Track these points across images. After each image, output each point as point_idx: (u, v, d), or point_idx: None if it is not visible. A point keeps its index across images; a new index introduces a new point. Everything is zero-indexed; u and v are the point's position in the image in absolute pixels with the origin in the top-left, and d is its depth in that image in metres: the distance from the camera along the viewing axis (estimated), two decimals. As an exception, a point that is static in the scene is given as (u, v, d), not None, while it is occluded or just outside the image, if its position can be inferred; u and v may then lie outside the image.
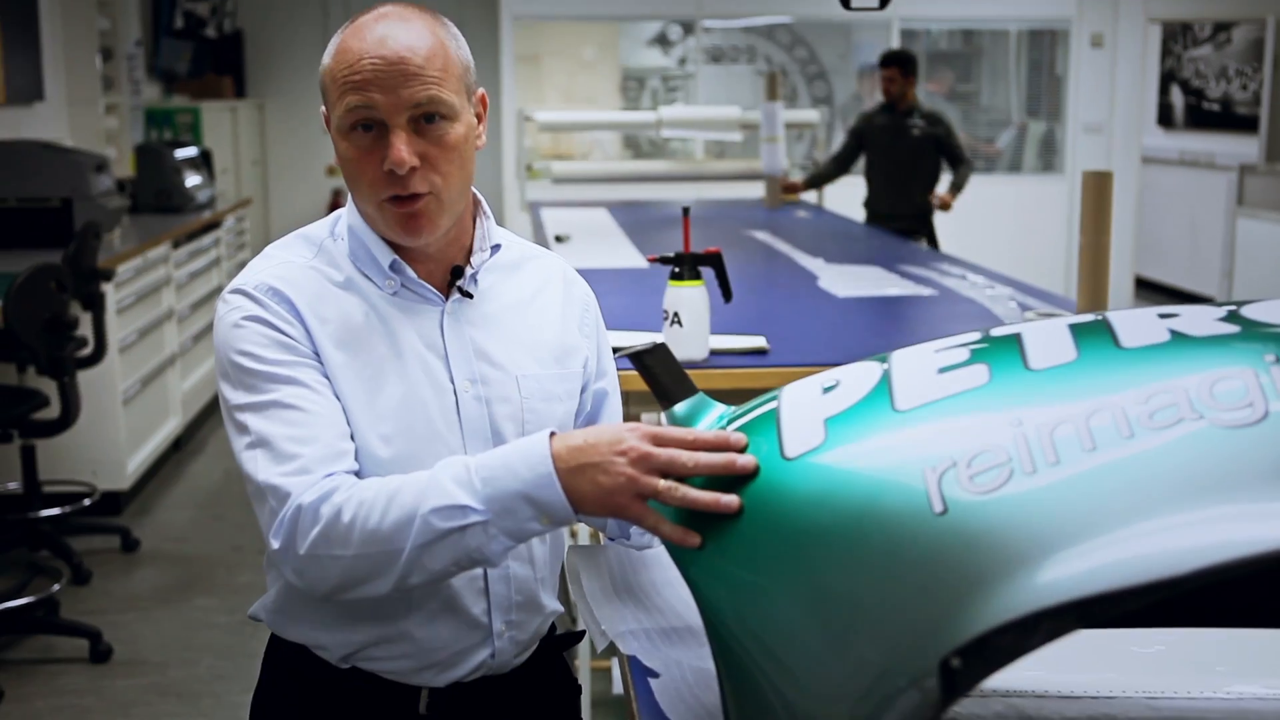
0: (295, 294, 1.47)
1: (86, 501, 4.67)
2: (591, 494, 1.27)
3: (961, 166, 6.16)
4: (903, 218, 5.99)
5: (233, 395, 1.44)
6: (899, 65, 6.09)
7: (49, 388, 4.11)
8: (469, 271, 1.54)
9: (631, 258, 4.45)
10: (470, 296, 1.54)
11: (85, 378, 4.39)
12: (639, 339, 2.88)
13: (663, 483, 1.22)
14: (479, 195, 1.58)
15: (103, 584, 4.34)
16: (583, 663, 3.06)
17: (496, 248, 1.59)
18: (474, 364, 1.52)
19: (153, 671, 3.71)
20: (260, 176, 9.43)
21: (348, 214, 1.55)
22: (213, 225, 6.47)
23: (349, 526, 1.33)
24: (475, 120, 1.51)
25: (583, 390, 1.64)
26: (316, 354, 1.45)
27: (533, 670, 1.62)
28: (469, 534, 1.31)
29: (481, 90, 1.54)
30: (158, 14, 8.06)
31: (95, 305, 4.36)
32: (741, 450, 1.18)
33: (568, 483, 1.28)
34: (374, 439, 1.45)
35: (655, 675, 1.32)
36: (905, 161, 6.07)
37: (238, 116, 8.83)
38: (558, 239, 4.91)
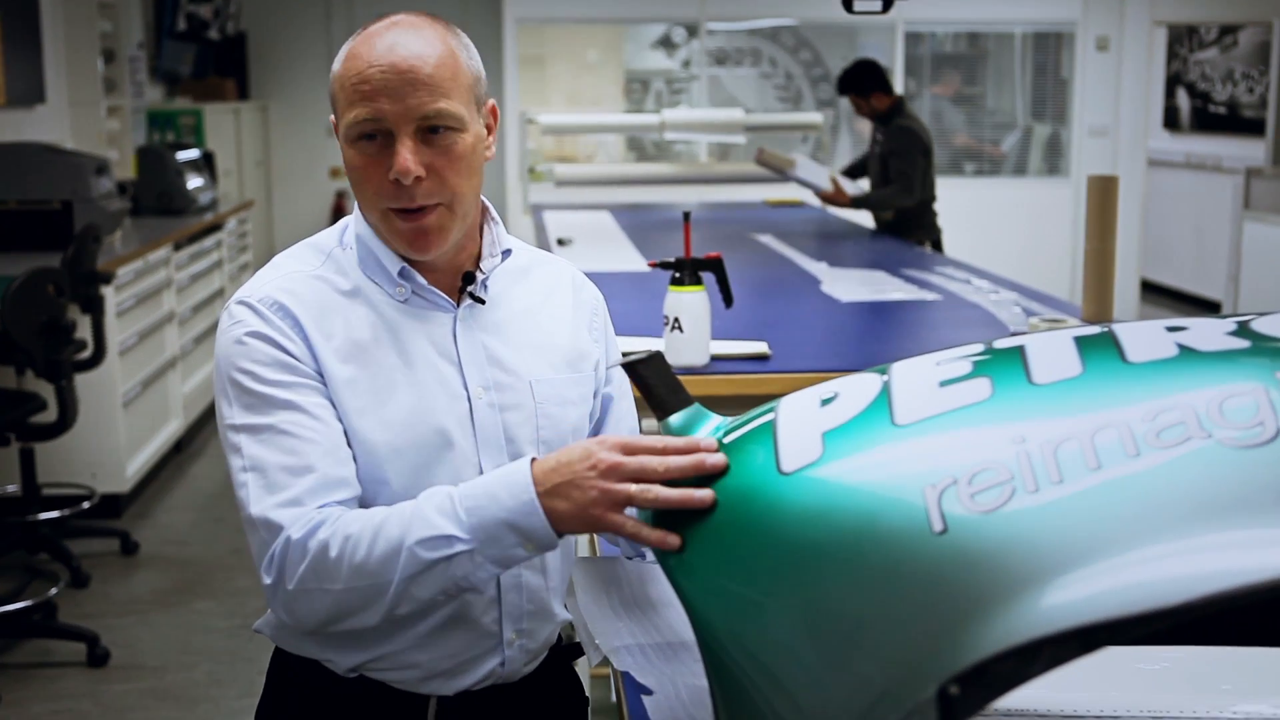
0: (300, 308, 1.45)
1: (86, 504, 4.65)
2: (569, 511, 1.28)
3: (888, 188, 5.70)
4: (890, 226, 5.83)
5: (229, 413, 1.42)
6: (851, 91, 5.82)
7: (47, 391, 4.10)
8: (480, 277, 1.53)
9: (634, 261, 4.43)
10: (482, 302, 1.53)
11: (85, 380, 4.37)
12: (640, 344, 2.86)
13: (634, 487, 1.23)
14: (486, 202, 1.57)
15: (101, 587, 4.32)
16: (581, 671, 3.03)
17: (507, 253, 1.57)
18: (487, 370, 1.51)
19: (150, 676, 3.68)
20: (263, 179, 9.41)
21: (355, 223, 1.53)
22: (215, 228, 6.46)
23: (336, 561, 1.33)
24: (485, 131, 1.50)
25: (595, 394, 1.62)
26: (320, 372, 1.43)
27: (542, 679, 1.61)
28: (455, 563, 1.31)
29: (492, 101, 1.52)
30: (160, 16, 8.05)
31: (94, 308, 4.35)
32: (712, 452, 1.18)
33: (546, 505, 1.29)
34: (385, 450, 1.43)
35: (649, 692, 1.29)
36: (875, 175, 5.86)
37: (240, 119, 8.82)
38: (560, 242, 4.89)
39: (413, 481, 1.43)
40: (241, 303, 1.45)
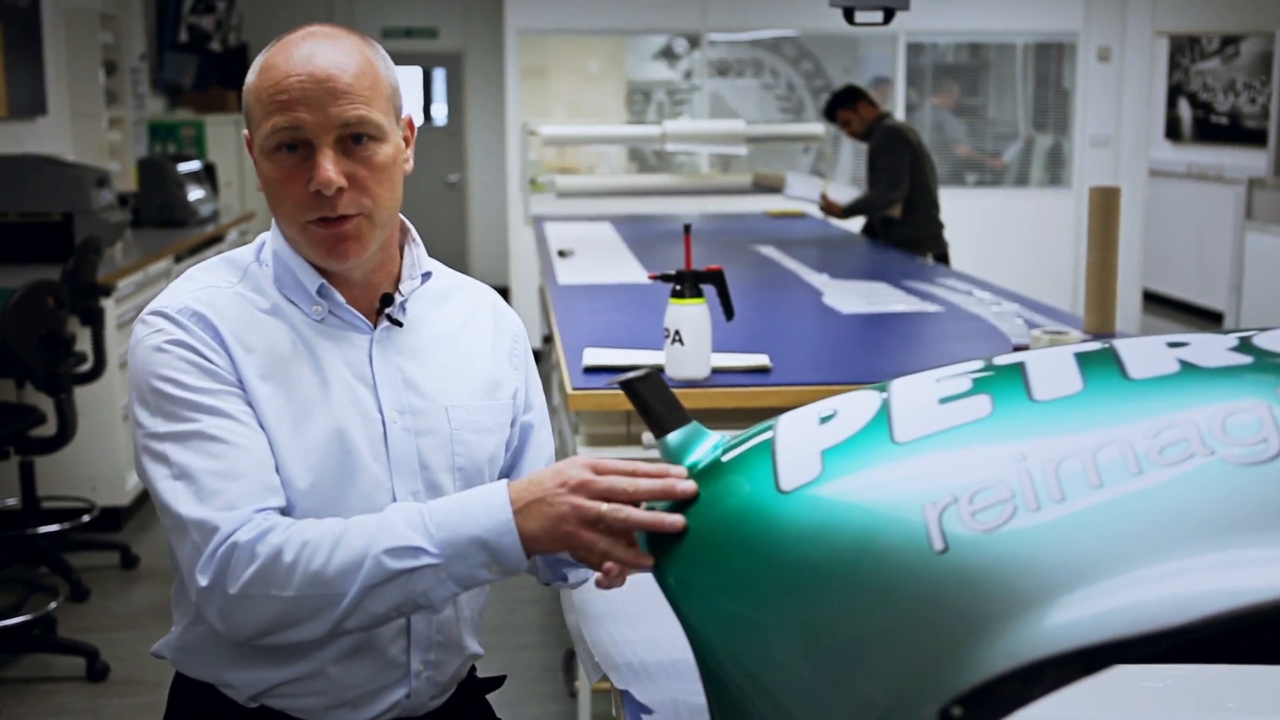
0: (219, 320, 1.42)
1: (86, 518, 4.64)
2: (541, 528, 1.27)
3: (874, 188, 5.77)
4: (899, 228, 5.84)
5: (151, 423, 1.38)
6: (840, 107, 5.89)
7: (46, 404, 4.09)
8: (398, 299, 1.50)
9: (634, 273, 4.42)
10: (400, 325, 1.50)
11: (85, 393, 4.36)
12: (640, 358, 2.85)
13: (605, 506, 1.23)
14: (408, 223, 1.55)
15: (101, 601, 4.31)
16: (583, 684, 3.02)
17: (427, 275, 1.55)
18: (402, 394, 1.48)
19: (149, 691, 3.67)
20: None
21: (272, 238, 1.50)
22: (216, 239, 6.45)
23: (290, 567, 1.30)
24: (404, 143, 1.48)
25: (512, 423, 1.60)
26: (241, 383, 1.40)
27: (450, 714, 1.58)
28: (418, 576, 1.29)
29: (409, 114, 1.50)
30: (162, 28, 8.06)
31: (95, 321, 4.34)
32: (683, 479, 1.20)
33: (520, 524, 1.28)
34: (298, 470, 1.40)
35: (649, 712, 1.28)
36: (868, 183, 5.90)
37: (241, 130, 8.82)
38: (561, 254, 4.88)
39: (322, 503, 1.40)
40: (157, 313, 1.41)
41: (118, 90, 6.94)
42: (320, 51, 1.39)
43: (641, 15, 8.48)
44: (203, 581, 1.32)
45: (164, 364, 1.38)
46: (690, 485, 1.19)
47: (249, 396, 1.39)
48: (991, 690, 0.83)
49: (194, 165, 6.72)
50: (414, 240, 1.55)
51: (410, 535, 1.29)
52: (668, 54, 8.94)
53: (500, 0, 8.43)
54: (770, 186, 5.95)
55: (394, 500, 1.43)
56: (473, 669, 1.64)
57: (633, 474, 1.24)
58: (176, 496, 1.34)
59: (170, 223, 6.24)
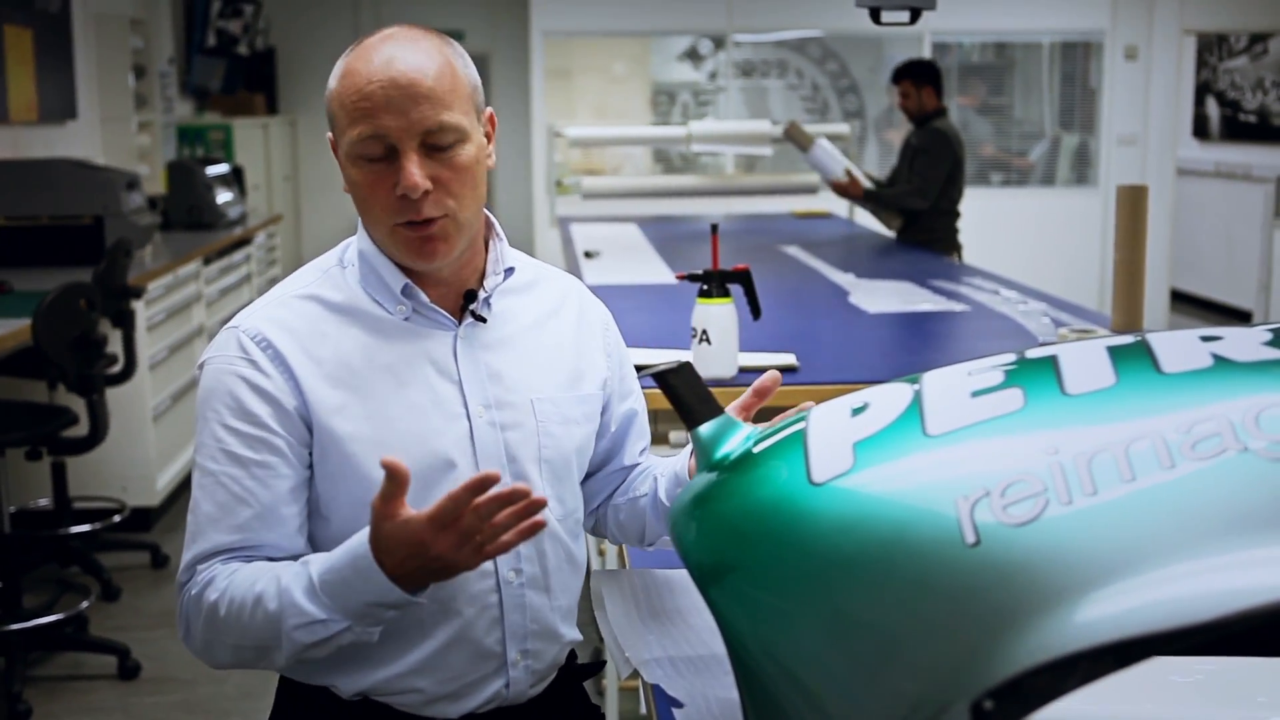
0: (287, 338, 1.45)
1: (116, 518, 4.68)
2: (436, 579, 1.35)
3: (904, 186, 5.66)
4: (913, 231, 5.76)
5: (197, 442, 1.48)
6: (910, 77, 5.75)
7: (78, 405, 4.12)
8: (482, 295, 1.51)
9: (661, 274, 4.43)
10: (484, 320, 1.52)
11: (115, 395, 4.39)
12: (667, 356, 2.86)
13: (488, 547, 1.29)
14: (492, 217, 1.56)
15: (132, 600, 4.34)
16: (610, 683, 3.03)
17: (510, 271, 1.56)
18: (488, 388, 1.49)
19: (181, 689, 3.70)
20: (291, 193, 9.47)
21: (358, 240, 1.52)
22: (244, 242, 6.49)
23: (225, 621, 1.39)
24: (485, 140, 1.49)
25: (604, 412, 1.61)
26: (302, 408, 1.44)
27: (550, 701, 1.58)
28: (341, 636, 1.36)
29: (490, 110, 1.51)
30: (190, 32, 8.11)
31: (125, 322, 4.37)
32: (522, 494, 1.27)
33: (409, 585, 1.33)
34: (379, 476, 1.42)
35: (680, 705, 1.29)
36: (901, 179, 5.75)
37: (269, 133, 8.87)
38: (587, 255, 4.89)
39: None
40: (233, 332, 1.47)
41: (147, 94, 6.99)
42: (400, 55, 1.40)
43: (667, 16, 8.49)
44: (180, 632, 1.45)
45: (217, 398, 1.45)
46: (540, 498, 1.28)
47: (316, 411, 1.44)
48: (1023, 683, 0.83)
49: (222, 168, 6.76)
50: (498, 235, 1.56)
51: (311, 609, 1.35)
52: (693, 55, 8.94)
53: (526, 2, 8.46)
54: (799, 142, 5.83)
55: None
56: (571, 654, 1.65)
57: (473, 504, 1.27)
58: (188, 526, 1.47)
59: (199, 225, 6.28)
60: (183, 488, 5.35)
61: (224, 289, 6.08)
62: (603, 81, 9.06)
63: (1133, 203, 3.21)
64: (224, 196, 6.53)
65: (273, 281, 7.06)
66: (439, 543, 1.28)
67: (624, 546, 1.86)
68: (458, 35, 10.82)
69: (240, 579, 1.38)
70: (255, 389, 1.43)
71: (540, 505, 1.27)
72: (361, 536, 1.33)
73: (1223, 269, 9.58)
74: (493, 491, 1.26)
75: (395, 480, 1.28)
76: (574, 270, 4.60)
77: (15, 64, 5.28)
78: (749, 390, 1.48)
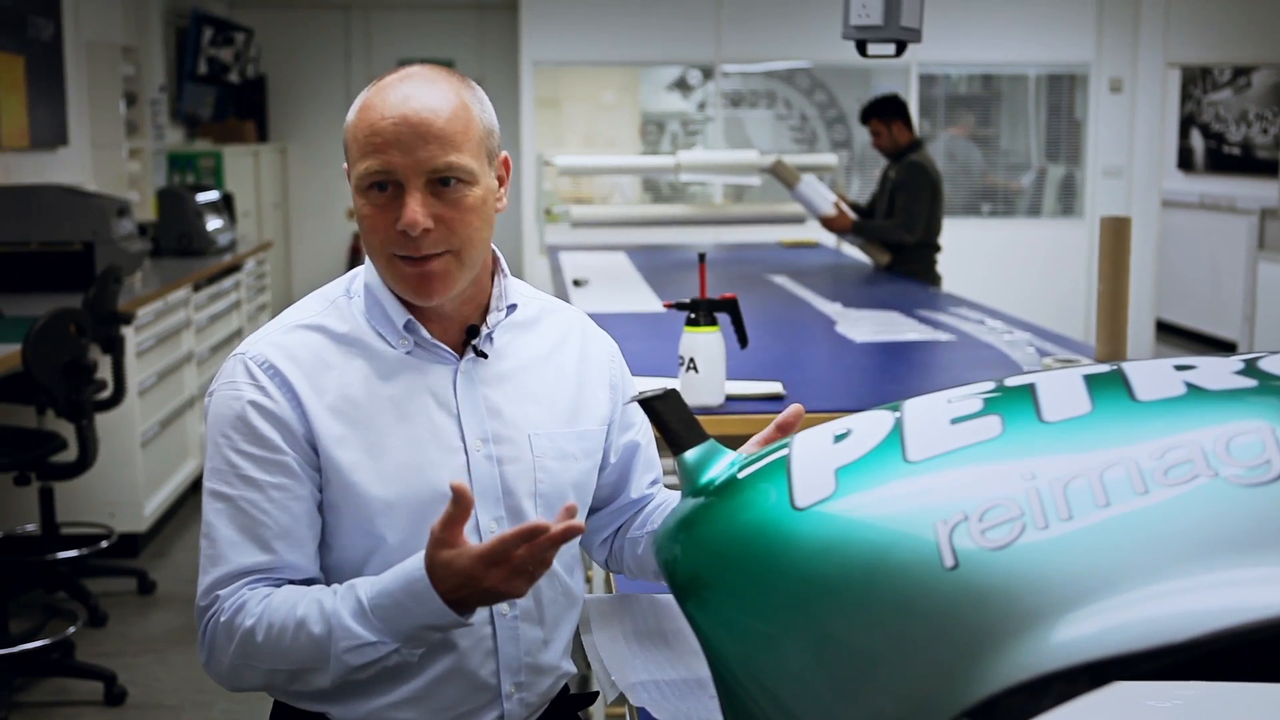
0: (292, 367, 1.46)
1: (104, 544, 4.67)
2: (486, 604, 1.38)
3: (889, 220, 5.62)
4: (895, 264, 5.75)
5: (208, 469, 1.48)
6: (876, 116, 5.72)
7: (67, 430, 4.12)
8: (484, 331, 1.53)
9: (649, 302, 4.45)
10: (485, 356, 1.53)
11: (104, 420, 4.40)
12: (654, 384, 2.87)
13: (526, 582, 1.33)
14: (498, 253, 1.57)
15: (119, 626, 4.33)
16: (597, 709, 3.03)
17: (513, 307, 1.57)
18: (486, 422, 1.51)
19: (167, 715, 3.69)
20: (281, 220, 9.47)
21: (365, 272, 1.54)
22: (234, 268, 6.50)
23: (263, 645, 1.39)
24: (496, 184, 1.50)
25: (607, 447, 1.62)
26: (308, 434, 1.45)
27: None
28: (389, 659, 1.38)
29: (505, 154, 1.52)
30: (182, 60, 8.14)
31: (115, 348, 4.38)
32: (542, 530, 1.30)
33: (461, 609, 1.36)
34: (380, 506, 1.44)
35: (665, 728, 1.30)
36: (881, 212, 5.74)
37: (259, 160, 8.89)
38: (575, 283, 4.91)
39: (410, 537, 1.44)
40: (240, 358, 1.48)
41: (138, 121, 7.01)
42: (416, 94, 1.43)
43: (656, 47, 8.54)
44: (203, 657, 1.44)
45: (228, 424, 1.46)
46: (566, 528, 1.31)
47: (321, 440, 1.45)
48: (999, 703, 0.85)
49: (212, 195, 6.77)
50: (503, 271, 1.57)
51: (362, 633, 1.36)
52: (682, 85, 8.99)
53: (516, 31, 8.51)
54: (785, 179, 5.82)
55: (478, 526, 1.48)
56: (565, 686, 1.65)
57: (531, 545, 1.31)
58: (202, 554, 1.45)
59: (189, 252, 6.29)
60: (171, 514, 5.35)
61: (214, 315, 6.09)
62: (592, 111, 9.10)
63: (1116, 233, 3.24)
64: (214, 223, 6.54)
65: (262, 308, 7.08)
66: (490, 576, 1.31)
67: (610, 573, 1.87)
68: (448, 64, 10.82)
69: (277, 603, 1.39)
70: (265, 413, 1.44)
71: (580, 531, 1.32)
72: (415, 561, 1.35)
73: (1208, 300, 9.64)
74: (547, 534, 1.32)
75: (460, 505, 1.30)
76: (563, 298, 4.61)
77: (7, 91, 5.30)
78: (771, 425, 1.48)
